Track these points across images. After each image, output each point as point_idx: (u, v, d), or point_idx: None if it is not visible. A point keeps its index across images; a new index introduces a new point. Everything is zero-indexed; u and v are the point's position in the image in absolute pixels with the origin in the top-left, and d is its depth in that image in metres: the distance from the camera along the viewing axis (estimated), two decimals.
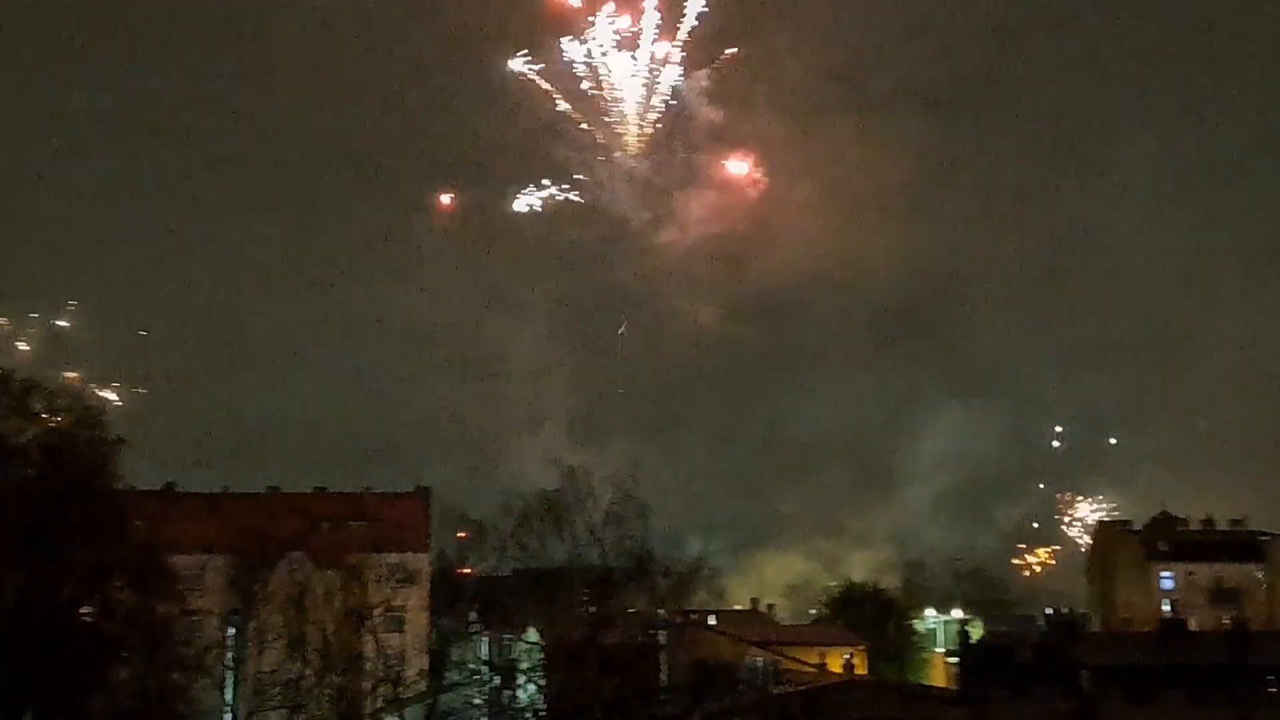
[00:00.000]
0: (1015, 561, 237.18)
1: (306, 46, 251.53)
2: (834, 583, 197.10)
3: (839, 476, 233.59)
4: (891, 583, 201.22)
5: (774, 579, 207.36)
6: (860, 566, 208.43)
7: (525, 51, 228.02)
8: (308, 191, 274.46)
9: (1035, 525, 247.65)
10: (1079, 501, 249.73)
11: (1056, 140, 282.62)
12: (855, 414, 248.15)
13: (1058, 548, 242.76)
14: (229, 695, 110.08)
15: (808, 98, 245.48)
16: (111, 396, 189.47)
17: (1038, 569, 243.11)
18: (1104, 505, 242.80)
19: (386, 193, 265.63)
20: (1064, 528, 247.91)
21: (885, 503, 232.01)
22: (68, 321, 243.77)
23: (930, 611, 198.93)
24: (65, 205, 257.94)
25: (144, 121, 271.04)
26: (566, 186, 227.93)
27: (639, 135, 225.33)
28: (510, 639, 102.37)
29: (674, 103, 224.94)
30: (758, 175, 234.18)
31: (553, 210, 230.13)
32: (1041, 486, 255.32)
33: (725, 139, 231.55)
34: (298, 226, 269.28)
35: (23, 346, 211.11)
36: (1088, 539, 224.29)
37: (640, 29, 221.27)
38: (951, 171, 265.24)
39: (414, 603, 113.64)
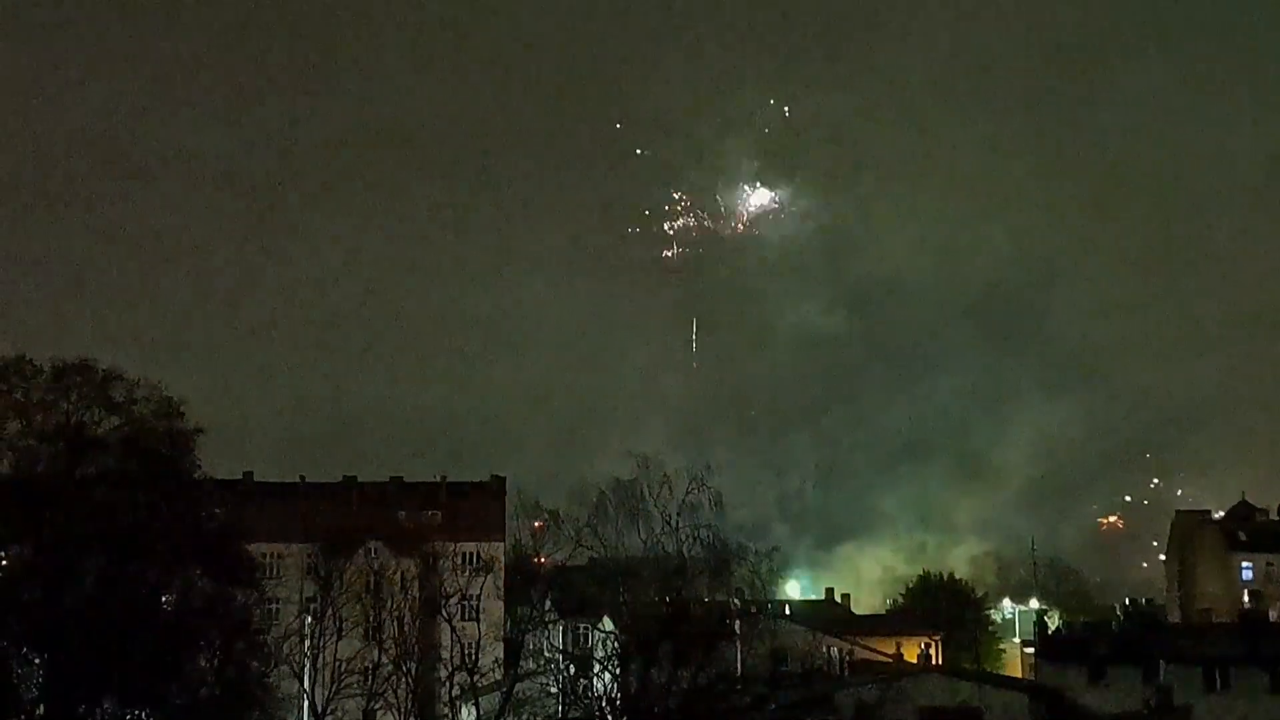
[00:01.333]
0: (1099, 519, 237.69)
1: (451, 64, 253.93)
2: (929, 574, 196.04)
3: (933, 470, 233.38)
4: (984, 574, 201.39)
5: (868, 572, 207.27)
6: (950, 559, 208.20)
7: None
8: (460, 190, 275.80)
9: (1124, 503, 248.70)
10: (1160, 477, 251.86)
11: (1162, 131, 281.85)
12: (950, 407, 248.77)
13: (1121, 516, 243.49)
14: (307, 683, 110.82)
15: (922, 93, 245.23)
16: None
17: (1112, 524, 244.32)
18: (1185, 488, 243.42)
19: (530, 193, 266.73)
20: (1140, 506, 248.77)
21: (976, 495, 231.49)
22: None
23: (1007, 601, 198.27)
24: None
25: (288, 113, 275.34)
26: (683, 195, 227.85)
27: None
28: (586, 628, 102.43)
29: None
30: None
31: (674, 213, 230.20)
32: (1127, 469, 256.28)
33: (834, 134, 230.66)
34: (450, 224, 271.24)
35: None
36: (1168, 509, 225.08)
37: None
38: (1057, 164, 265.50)
39: (490, 591, 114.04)
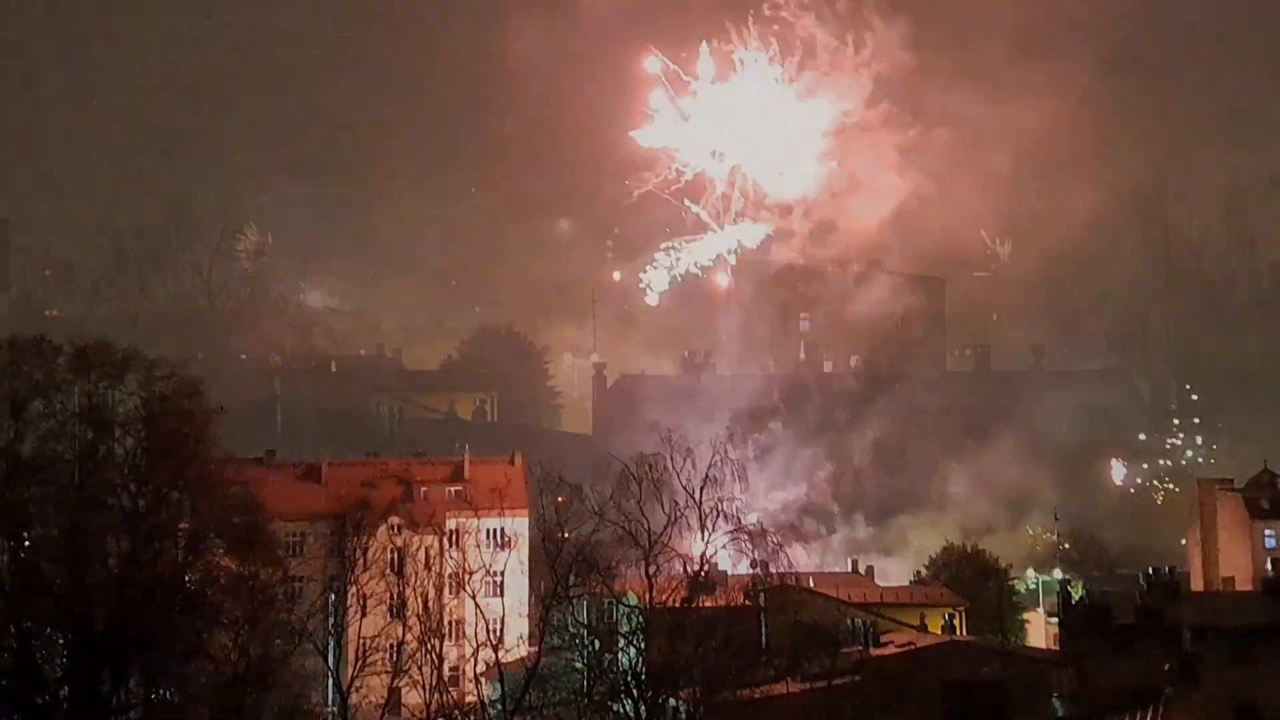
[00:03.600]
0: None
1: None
2: (985, 550, 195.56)
3: (1000, 446, 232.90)
4: (1037, 549, 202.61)
5: (923, 549, 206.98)
6: (1015, 536, 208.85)
7: None
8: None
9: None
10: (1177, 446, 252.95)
11: (1217, 98, 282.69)
12: (1013, 381, 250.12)
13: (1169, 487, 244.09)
14: (330, 660, 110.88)
15: (996, 62, 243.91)
16: None
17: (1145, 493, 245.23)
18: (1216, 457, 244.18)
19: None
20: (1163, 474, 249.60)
21: (1034, 469, 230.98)
22: None
23: (1030, 572, 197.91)
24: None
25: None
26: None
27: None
28: (610, 602, 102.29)
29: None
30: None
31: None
32: (1142, 438, 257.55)
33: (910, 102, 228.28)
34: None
35: None
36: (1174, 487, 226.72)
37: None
38: (1118, 137, 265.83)
39: (513, 567, 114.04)
